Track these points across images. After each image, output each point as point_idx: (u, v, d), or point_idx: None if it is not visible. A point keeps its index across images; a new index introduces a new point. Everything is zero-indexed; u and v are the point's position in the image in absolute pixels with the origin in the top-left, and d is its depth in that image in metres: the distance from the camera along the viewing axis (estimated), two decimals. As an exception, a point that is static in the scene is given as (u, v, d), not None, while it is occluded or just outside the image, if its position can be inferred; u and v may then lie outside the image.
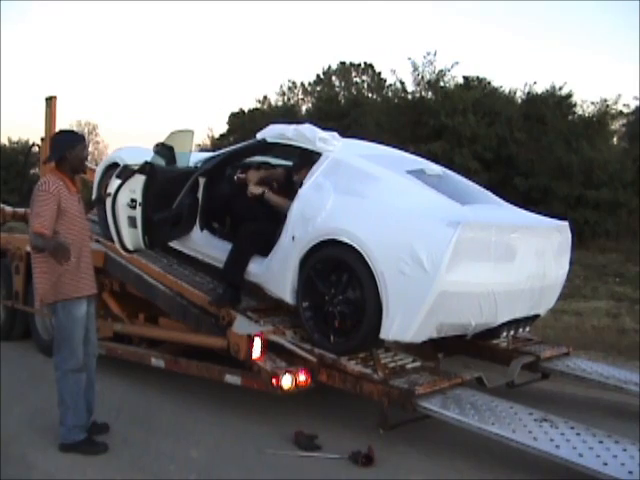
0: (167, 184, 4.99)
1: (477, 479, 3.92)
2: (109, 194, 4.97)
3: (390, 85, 28.23)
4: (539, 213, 5.47)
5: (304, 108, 35.69)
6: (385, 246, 4.23)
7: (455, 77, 21.23)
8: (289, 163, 5.20)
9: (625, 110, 22.37)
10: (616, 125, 23.52)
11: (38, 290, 4.08)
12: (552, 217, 5.26)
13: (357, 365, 4.45)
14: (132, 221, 4.94)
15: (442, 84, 20.81)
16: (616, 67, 62.57)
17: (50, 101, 8.84)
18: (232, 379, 4.78)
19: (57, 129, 4.21)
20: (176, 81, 74.96)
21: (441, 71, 20.80)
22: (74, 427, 4.12)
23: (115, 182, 5.80)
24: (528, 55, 63.08)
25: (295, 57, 70.28)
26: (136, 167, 5.02)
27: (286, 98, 39.07)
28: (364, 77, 39.25)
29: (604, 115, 20.42)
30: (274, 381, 4.34)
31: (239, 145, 5.75)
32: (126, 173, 5.48)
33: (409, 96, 21.41)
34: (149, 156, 4.99)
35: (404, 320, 4.16)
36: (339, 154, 4.91)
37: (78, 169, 4.28)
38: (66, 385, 4.11)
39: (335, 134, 5.25)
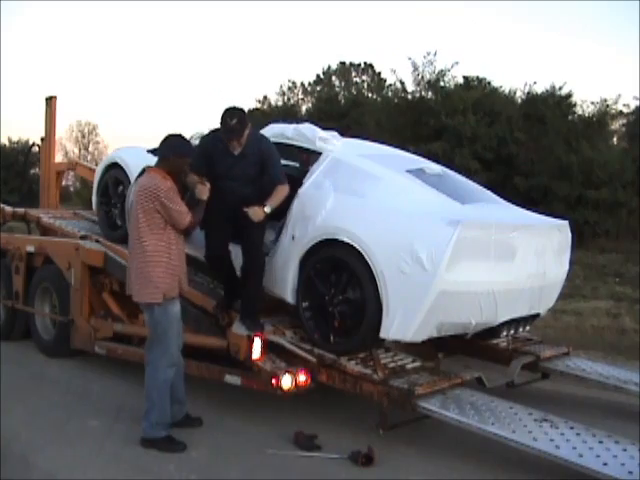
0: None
1: (477, 479, 3.92)
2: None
3: (390, 85, 28.14)
4: (539, 213, 5.47)
5: (304, 108, 35.61)
6: (385, 245, 4.23)
7: (455, 77, 21.18)
8: (290, 163, 5.18)
9: (625, 110, 22.35)
10: (616, 125, 23.52)
11: (156, 284, 4.09)
12: (552, 217, 5.26)
13: (357, 365, 4.45)
14: None
15: (442, 84, 20.76)
16: (616, 67, 62.52)
17: (50, 101, 8.87)
18: (232, 379, 4.78)
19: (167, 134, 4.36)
20: (176, 81, 74.95)
21: (441, 71, 20.76)
22: (157, 424, 4.22)
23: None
24: (528, 55, 63.01)
25: (295, 57, 70.22)
26: None
27: (286, 98, 39.00)
28: (364, 77, 39.27)
29: (604, 115, 20.37)
30: (274, 381, 4.34)
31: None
32: None
33: (409, 96, 21.36)
34: (148, 156, 4.97)
35: (404, 319, 4.16)
36: (339, 153, 4.91)
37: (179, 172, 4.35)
38: (155, 382, 4.22)
39: (335, 134, 5.25)
